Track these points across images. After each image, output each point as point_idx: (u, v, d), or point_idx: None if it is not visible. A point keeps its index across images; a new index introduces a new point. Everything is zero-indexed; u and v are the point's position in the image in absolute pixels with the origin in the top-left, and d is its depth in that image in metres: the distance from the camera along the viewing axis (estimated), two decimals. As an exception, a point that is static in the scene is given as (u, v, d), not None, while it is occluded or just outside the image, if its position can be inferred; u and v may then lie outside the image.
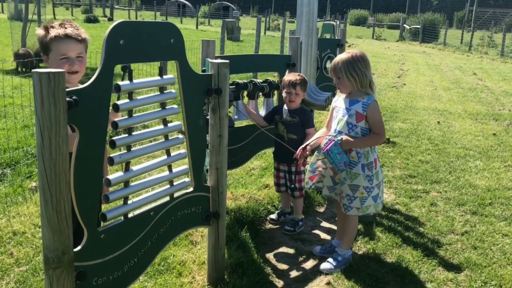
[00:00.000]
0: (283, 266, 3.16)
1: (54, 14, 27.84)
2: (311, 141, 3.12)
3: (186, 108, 2.37)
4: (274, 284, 2.94)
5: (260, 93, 3.72)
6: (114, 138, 2.00)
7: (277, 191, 3.81)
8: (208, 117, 2.61)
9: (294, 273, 3.08)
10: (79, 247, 1.89)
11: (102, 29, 20.69)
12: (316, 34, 5.18)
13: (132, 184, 2.12)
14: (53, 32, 2.16)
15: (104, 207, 2.34)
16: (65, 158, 1.69)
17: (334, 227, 3.69)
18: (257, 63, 4.05)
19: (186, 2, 45.02)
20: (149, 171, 2.22)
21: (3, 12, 30.36)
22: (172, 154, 2.36)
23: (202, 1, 46.81)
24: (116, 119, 2.02)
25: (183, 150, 2.45)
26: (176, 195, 2.42)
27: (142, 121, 2.16)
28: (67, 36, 2.17)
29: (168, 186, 2.38)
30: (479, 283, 2.99)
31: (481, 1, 46.14)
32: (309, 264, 3.21)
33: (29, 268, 2.89)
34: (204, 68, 3.06)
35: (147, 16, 38.56)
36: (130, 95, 2.06)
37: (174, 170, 2.39)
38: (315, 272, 3.09)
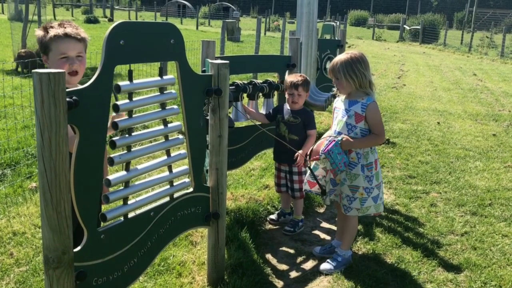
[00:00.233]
0: (283, 267, 3.16)
1: (54, 15, 27.86)
2: (311, 149, 3.12)
3: (186, 108, 2.37)
4: (274, 285, 2.94)
5: (260, 94, 3.72)
6: (114, 138, 2.01)
7: (277, 191, 3.81)
8: (208, 117, 2.62)
9: (294, 274, 3.08)
10: (79, 247, 1.89)
11: (102, 29, 20.71)
12: (316, 35, 5.19)
13: (132, 184, 2.13)
14: (52, 32, 2.16)
15: (104, 207, 2.34)
16: (65, 158, 1.69)
17: (334, 228, 3.69)
18: (257, 63, 4.05)
19: (186, 3, 45.04)
20: (149, 171, 2.22)
21: (3, 13, 30.37)
22: (172, 154, 2.37)
23: (202, 1, 46.85)
24: (116, 120, 2.02)
25: (183, 151, 2.45)
26: (176, 195, 2.43)
27: (142, 121, 2.16)
28: (66, 35, 2.17)
29: (168, 186, 2.38)
30: (479, 284, 2.99)
31: (481, 2, 46.17)
32: (309, 264, 3.21)
33: (29, 268, 2.89)
34: (204, 69, 3.06)
35: (147, 16, 38.58)
36: (130, 96, 2.06)
37: (174, 170, 2.39)
38: (315, 272, 3.09)
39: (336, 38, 8.38)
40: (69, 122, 1.70)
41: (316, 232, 3.71)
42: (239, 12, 39.46)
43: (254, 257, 3.14)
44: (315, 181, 3.10)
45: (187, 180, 2.50)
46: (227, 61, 2.54)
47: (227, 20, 18.90)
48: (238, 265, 2.98)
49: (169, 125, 2.30)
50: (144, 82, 2.20)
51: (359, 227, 3.58)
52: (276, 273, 3.07)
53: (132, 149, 2.10)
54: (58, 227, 1.72)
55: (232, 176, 4.62)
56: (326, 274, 3.04)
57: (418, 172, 5.07)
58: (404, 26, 32.79)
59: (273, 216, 3.79)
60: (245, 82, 3.58)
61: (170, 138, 2.32)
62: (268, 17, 34.24)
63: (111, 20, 31.10)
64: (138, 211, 2.20)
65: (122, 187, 2.09)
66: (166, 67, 8.14)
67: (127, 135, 2.07)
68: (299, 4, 5.10)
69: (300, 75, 3.51)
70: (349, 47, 20.26)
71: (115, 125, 2.00)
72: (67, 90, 1.67)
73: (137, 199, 2.18)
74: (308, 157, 3.09)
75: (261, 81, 3.71)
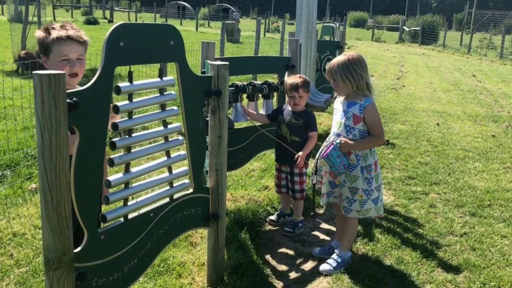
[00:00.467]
0: (282, 267, 3.17)
1: (54, 16, 27.88)
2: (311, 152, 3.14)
3: (186, 109, 2.37)
4: (273, 285, 2.94)
5: (260, 95, 3.72)
6: (114, 139, 2.01)
7: (277, 192, 3.81)
8: (207, 118, 2.62)
9: (293, 274, 3.09)
10: (79, 248, 1.89)
11: (102, 31, 20.72)
12: (315, 36, 5.20)
13: (132, 185, 2.13)
14: (54, 34, 2.18)
15: (104, 208, 2.35)
16: (66, 159, 1.70)
17: (334, 229, 3.69)
18: (256, 65, 4.06)
19: (186, 4, 45.07)
20: (149, 172, 2.23)
21: (3, 14, 30.38)
22: (172, 155, 2.37)
23: (202, 3, 46.90)
24: (116, 120, 2.03)
25: (183, 152, 2.46)
26: (176, 196, 2.43)
27: (142, 122, 2.16)
28: (69, 38, 2.19)
29: (168, 187, 2.39)
30: (478, 284, 3.00)
31: (480, 3, 46.22)
32: (309, 265, 3.22)
33: (29, 269, 2.90)
34: (203, 70, 3.07)
35: (147, 18, 38.61)
36: (130, 97, 2.07)
37: (174, 171, 2.39)
38: (315, 273, 3.10)
39: (336, 39, 8.40)
40: (69, 123, 1.71)
41: (316, 233, 3.71)
42: (239, 13, 39.50)
43: (254, 258, 3.15)
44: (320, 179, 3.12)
45: (186, 181, 2.50)
46: (227, 62, 2.55)
47: (226, 22, 18.92)
48: (238, 266, 2.98)
49: (169, 126, 2.31)
50: (144, 83, 2.21)
51: (359, 228, 3.58)
52: (276, 274, 3.07)
53: (132, 150, 2.10)
54: (58, 227, 1.73)
55: (232, 177, 4.63)
56: (326, 275, 3.05)
57: (418, 173, 5.07)
58: (404, 27, 32.83)
59: (272, 217, 3.80)
60: (245, 83, 3.58)
61: (170, 139, 2.33)
62: (268, 18, 34.27)
63: (110, 21, 31.12)
64: (138, 212, 2.21)
65: (122, 188, 2.10)
66: (166, 68, 8.14)
67: (127, 136, 2.07)
68: (299, 5, 5.11)
69: (300, 77, 3.50)
70: (348, 48, 20.28)
71: (115, 126, 2.01)
72: (67, 91, 1.68)
73: (137, 200, 2.19)
74: (308, 159, 3.11)
75: (260, 82, 3.72)
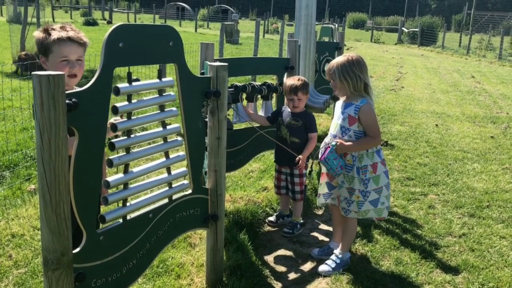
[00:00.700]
0: (281, 268, 3.17)
1: (53, 17, 27.88)
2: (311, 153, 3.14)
3: (185, 110, 2.38)
4: (272, 286, 2.95)
5: (259, 96, 3.73)
6: (113, 140, 2.02)
7: (277, 193, 3.81)
8: (206, 119, 2.63)
9: (292, 275, 3.09)
10: (78, 249, 1.89)
11: (101, 32, 20.72)
12: (314, 37, 5.21)
13: (131, 186, 2.13)
14: (55, 35, 2.19)
15: (103, 209, 2.35)
16: (65, 160, 1.70)
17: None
18: (255, 66, 4.06)
19: (185, 5, 45.09)
20: (148, 173, 2.23)
21: (2, 15, 30.37)
22: (171, 156, 2.38)
23: (201, 4, 46.92)
24: (115, 122, 2.03)
25: (181, 152, 2.46)
26: (174, 197, 2.43)
27: (141, 123, 2.17)
28: (69, 39, 2.20)
29: (167, 188, 2.39)
30: (477, 285, 3.00)
31: (479, 5, 46.29)
32: (307, 266, 3.22)
33: (28, 270, 2.89)
34: (203, 71, 3.07)
35: (146, 19, 38.61)
36: (129, 98, 2.07)
37: (173, 172, 2.40)
38: (313, 274, 3.10)
39: (335, 41, 8.41)
40: (68, 124, 1.71)
41: (315, 234, 3.72)
42: (238, 14, 39.52)
43: (253, 259, 3.15)
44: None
45: (185, 182, 2.51)
46: (226, 63, 2.56)
47: (226, 23, 18.92)
48: (237, 266, 2.98)
49: (168, 127, 2.31)
50: (143, 84, 2.21)
51: (358, 229, 3.58)
52: (275, 275, 3.07)
53: (131, 151, 2.10)
54: (57, 228, 1.73)
55: (231, 178, 4.63)
56: (325, 276, 3.05)
57: (416, 174, 5.08)
58: (403, 28, 32.88)
59: (271, 218, 3.80)
60: (244, 84, 3.59)
61: (169, 140, 2.33)
62: (267, 19, 34.31)
63: (109, 22, 31.12)
64: (137, 213, 2.21)
65: (121, 189, 2.10)
66: (165, 69, 8.15)
67: (126, 137, 2.08)
68: (298, 6, 5.12)
69: (298, 79, 3.49)
70: (347, 49, 20.29)
71: (114, 127, 2.01)
72: (66, 92, 1.68)
73: (136, 200, 2.19)
74: (308, 160, 3.11)
75: (259, 83, 3.72)
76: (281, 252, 3.39)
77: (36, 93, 1.60)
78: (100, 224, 2.06)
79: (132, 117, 2.10)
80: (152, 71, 8.53)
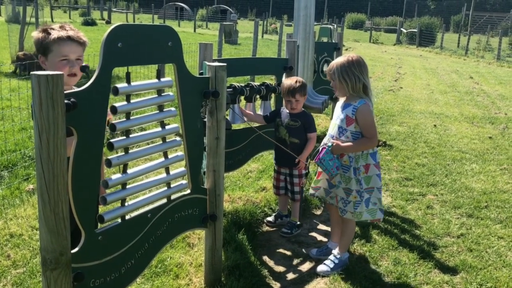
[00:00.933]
0: (279, 269, 3.17)
1: (52, 17, 27.85)
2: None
3: (184, 110, 2.38)
4: (270, 286, 2.95)
5: (257, 96, 3.73)
6: (111, 140, 2.02)
7: (275, 193, 3.82)
8: (205, 119, 2.63)
9: (290, 276, 3.09)
10: (76, 249, 1.89)
11: (100, 32, 20.71)
12: (313, 38, 5.21)
13: (129, 186, 2.13)
14: (55, 34, 2.19)
15: (102, 209, 2.35)
16: (63, 160, 1.70)
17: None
18: (254, 66, 4.06)
19: (184, 5, 45.07)
20: (147, 173, 2.23)
21: (0, 15, 30.32)
22: (170, 156, 2.38)
23: (200, 4, 46.92)
24: (114, 121, 2.03)
25: (180, 153, 2.46)
26: (173, 197, 2.43)
27: (139, 123, 2.17)
28: (69, 38, 2.21)
29: (166, 188, 2.39)
30: (475, 285, 3.01)
31: (478, 5, 46.38)
32: (306, 266, 3.22)
33: (26, 270, 2.89)
34: (201, 71, 3.07)
35: (145, 19, 38.59)
36: (128, 98, 2.07)
37: (172, 172, 2.40)
38: (312, 274, 3.10)
39: (333, 41, 8.41)
40: (67, 124, 1.71)
41: (313, 234, 3.72)
42: (237, 14, 39.52)
43: (251, 259, 3.15)
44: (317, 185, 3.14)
45: (184, 182, 2.51)
46: (225, 64, 2.56)
47: (224, 23, 18.92)
48: (235, 266, 2.98)
49: (167, 127, 2.31)
50: (142, 84, 2.21)
51: (356, 229, 3.59)
52: (273, 275, 3.08)
53: (129, 151, 2.11)
54: (56, 228, 1.73)
55: (230, 178, 4.63)
56: (323, 276, 3.05)
57: (415, 174, 5.09)
58: (401, 29, 32.91)
59: (270, 218, 3.80)
60: (242, 84, 3.59)
61: (167, 140, 2.34)
62: (266, 19, 34.31)
63: (108, 22, 31.10)
64: (136, 213, 2.21)
65: (119, 189, 2.10)
66: (164, 69, 8.15)
67: (124, 137, 2.08)
68: (296, 7, 5.12)
69: (296, 80, 3.48)
70: (346, 50, 20.31)
71: (112, 127, 2.01)
72: (65, 92, 1.69)
73: (135, 200, 2.19)
74: (308, 160, 3.11)
75: (258, 84, 3.73)
76: (280, 252, 3.40)
77: (34, 93, 1.60)
78: (99, 224, 2.06)
79: (131, 117, 2.10)
80: (151, 71, 8.53)
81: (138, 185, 2.18)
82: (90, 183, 1.91)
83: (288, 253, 3.39)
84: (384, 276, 3.06)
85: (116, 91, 2.00)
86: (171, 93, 2.32)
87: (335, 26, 22.33)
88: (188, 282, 2.86)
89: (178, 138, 2.41)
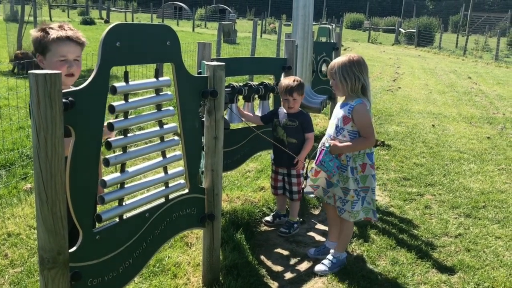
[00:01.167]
0: (277, 268, 3.17)
1: (50, 16, 27.81)
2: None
3: (182, 110, 2.38)
4: (268, 286, 2.95)
5: (256, 96, 3.73)
6: (109, 139, 2.01)
7: (273, 193, 3.81)
8: (203, 119, 2.63)
9: (288, 275, 3.10)
10: (74, 248, 1.89)
11: (99, 31, 20.68)
12: (311, 38, 5.21)
13: (127, 185, 2.13)
14: (54, 34, 2.19)
15: (100, 208, 2.35)
16: (61, 159, 1.70)
17: (329, 229, 3.70)
18: (253, 66, 4.07)
19: (183, 5, 45.05)
20: (145, 172, 2.23)
21: (-2, 14, 30.24)
22: (168, 155, 2.38)
23: (198, 3, 46.88)
24: (112, 121, 2.03)
25: (178, 152, 2.46)
26: (171, 196, 2.43)
27: (137, 122, 2.17)
28: (68, 38, 2.21)
29: (164, 187, 2.39)
30: (472, 285, 3.01)
31: (476, 6, 46.46)
32: (304, 266, 3.22)
33: (23, 269, 2.89)
34: (200, 71, 3.07)
35: (143, 18, 38.54)
36: (126, 97, 2.07)
37: (170, 171, 2.40)
38: (310, 274, 3.11)
39: (332, 41, 8.42)
40: (65, 123, 1.71)
41: (311, 233, 3.72)
42: (236, 14, 39.50)
43: (249, 259, 3.15)
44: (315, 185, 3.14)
45: (182, 181, 2.51)
46: (223, 63, 2.56)
47: (223, 22, 18.92)
48: (233, 266, 2.98)
49: (165, 126, 2.31)
50: (140, 84, 2.21)
51: (354, 229, 3.59)
52: (271, 274, 3.08)
53: (127, 150, 2.10)
54: (54, 227, 1.73)
55: (228, 177, 4.63)
56: (321, 276, 3.06)
57: (413, 174, 5.09)
58: (400, 29, 32.93)
59: (268, 218, 3.80)
60: (241, 84, 3.59)
61: (165, 140, 2.33)
62: (265, 19, 34.32)
63: (107, 21, 31.05)
64: (133, 212, 2.21)
65: (117, 188, 2.10)
66: (162, 68, 8.14)
67: (122, 136, 2.08)
68: (295, 6, 5.12)
69: (294, 79, 3.48)
70: (344, 49, 20.34)
71: (110, 126, 2.01)
72: (63, 91, 1.68)
73: (133, 200, 2.19)
74: (306, 160, 3.12)
75: (257, 83, 3.73)
76: (278, 251, 3.40)
77: (32, 91, 1.60)
78: (97, 223, 2.05)
79: (129, 116, 2.10)
80: (149, 70, 8.52)
81: (136, 185, 2.18)
82: (88, 182, 1.91)
83: (286, 252, 3.39)
84: (381, 275, 3.06)
85: (114, 90, 2.00)
86: (169, 93, 2.31)
87: (333, 26, 22.33)
88: (186, 282, 2.86)
89: (176, 138, 2.41)
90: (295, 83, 3.43)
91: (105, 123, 2.00)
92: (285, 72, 4.03)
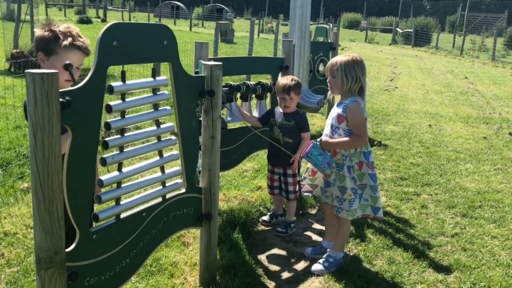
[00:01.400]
0: (274, 268, 3.18)
1: (47, 15, 27.69)
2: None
3: (179, 109, 2.38)
4: (265, 285, 2.95)
5: (253, 95, 3.73)
6: (106, 139, 2.01)
7: (270, 193, 3.82)
8: (200, 118, 2.63)
9: (285, 275, 3.10)
10: (71, 247, 1.89)
11: (95, 30, 20.62)
12: (309, 37, 5.21)
13: (124, 185, 2.13)
14: (66, 41, 2.13)
15: (97, 207, 2.34)
16: (58, 158, 1.70)
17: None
18: (250, 65, 4.07)
19: (180, 4, 44.98)
20: (142, 172, 2.23)
21: (-5, 12, 30.09)
22: (165, 155, 2.38)
23: (196, 3, 46.82)
24: (109, 120, 2.03)
25: (175, 152, 2.46)
26: (168, 196, 2.43)
27: (134, 122, 2.17)
28: (79, 48, 2.17)
29: (161, 187, 2.39)
30: (468, 285, 3.02)
31: (473, 6, 46.54)
32: (301, 265, 3.23)
33: (20, 269, 2.88)
34: (197, 70, 3.07)
35: (140, 17, 38.47)
36: (123, 96, 2.07)
37: (167, 171, 2.40)
38: (307, 273, 3.11)
39: (329, 41, 8.42)
40: (62, 122, 1.71)
41: (308, 233, 3.73)
42: (233, 13, 39.47)
43: (246, 258, 3.16)
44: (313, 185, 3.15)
45: (179, 181, 2.51)
46: (220, 63, 2.56)
47: (220, 22, 18.91)
48: (230, 265, 2.99)
49: (162, 126, 2.31)
50: (137, 83, 2.21)
51: (351, 228, 3.60)
52: (268, 274, 3.08)
53: (124, 150, 2.10)
54: (50, 227, 1.73)
55: (225, 177, 4.63)
56: (318, 275, 3.06)
57: (409, 174, 5.10)
58: (397, 29, 32.99)
59: (265, 218, 3.81)
60: (238, 83, 3.59)
61: (162, 139, 2.33)
62: (262, 19, 34.30)
63: (104, 20, 30.98)
64: (130, 212, 2.21)
65: (114, 188, 2.10)
66: (159, 68, 8.13)
67: (119, 136, 2.07)
68: (292, 6, 5.12)
69: (292, 79, 3.49)
70: (342, 49, 20.34)
71: (107, 126, 2.01)
72: (60, 90, 1.68)
73: (129, 199, 2.19)
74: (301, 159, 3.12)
75: (254, 83, 3.73)
76: (275, 251, 3.40)
77: (29, 91, 1.60)
78: (93, 223, 2.05)
79: (126, 116, 2.10)
80: (146, 69, 8.51)
81: (133, 184, 2.18)
82: (85, 182, 1.91)
83: (283, 252, 3.39)
84: (378, 275, 3.07)
85: (111, 90, 2.00)
86: (166, 92, 2.31)
87: (331, 26, 22.36)
88: (183, 281, 2.86)
89: (173, 137, 2.41)
90: (293, 82, 3.43)
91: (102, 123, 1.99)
92: (282, 71, 4.03)
